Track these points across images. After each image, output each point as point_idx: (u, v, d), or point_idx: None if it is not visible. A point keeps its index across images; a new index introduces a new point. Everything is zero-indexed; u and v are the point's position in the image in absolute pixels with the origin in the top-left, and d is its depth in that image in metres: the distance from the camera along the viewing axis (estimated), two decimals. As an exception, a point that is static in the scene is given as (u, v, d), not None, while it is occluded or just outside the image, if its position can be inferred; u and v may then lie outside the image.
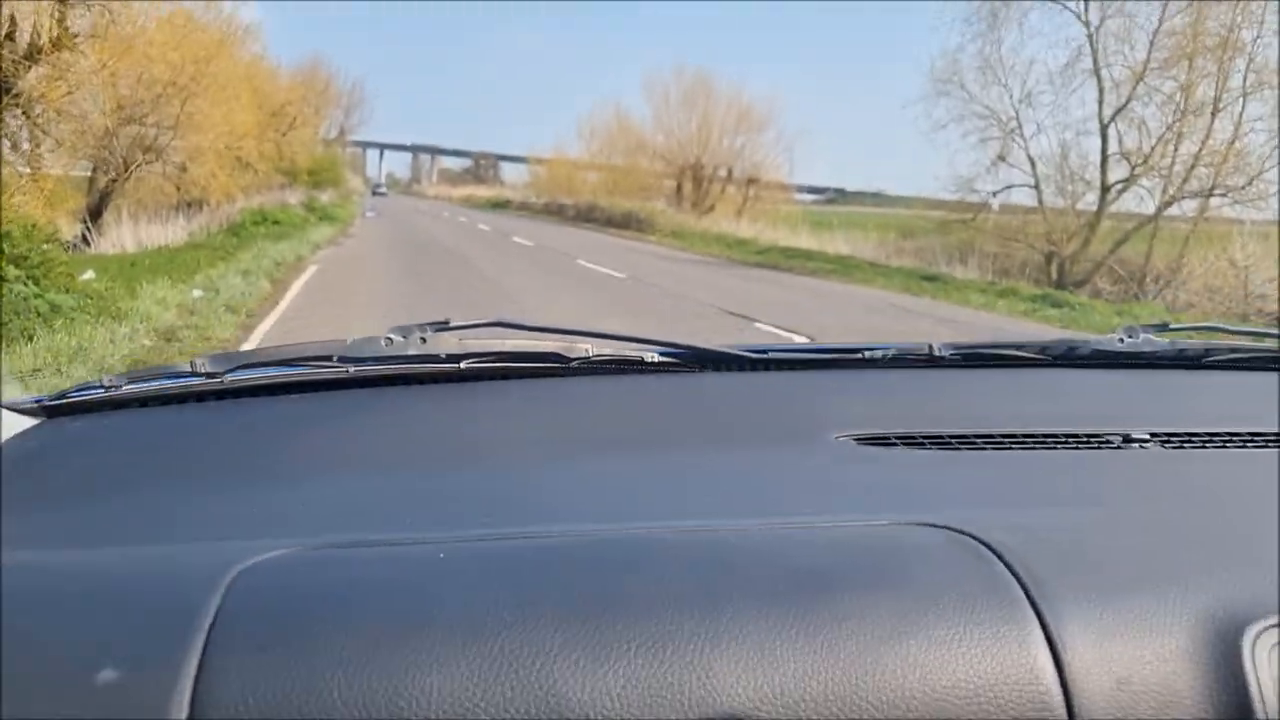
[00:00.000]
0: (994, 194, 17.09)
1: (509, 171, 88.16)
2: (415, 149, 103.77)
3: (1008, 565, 0.72)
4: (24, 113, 13.03)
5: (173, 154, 16.61)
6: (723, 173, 34.06)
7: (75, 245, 13.80)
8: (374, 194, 69.43)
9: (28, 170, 13.36)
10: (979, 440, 1.01)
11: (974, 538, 0.75)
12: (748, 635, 0.65)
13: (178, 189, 18.14)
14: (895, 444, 1.00)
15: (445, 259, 16.31)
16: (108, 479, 0.96)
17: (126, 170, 16.05)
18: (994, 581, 0.70)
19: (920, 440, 1.01)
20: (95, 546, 0.79)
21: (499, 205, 48.93)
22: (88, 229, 14.87)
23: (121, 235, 15.15)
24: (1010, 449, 1.00)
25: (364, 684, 0.61)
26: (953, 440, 1.01)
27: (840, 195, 64.07)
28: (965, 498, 0.87)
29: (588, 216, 33.50)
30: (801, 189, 36.18)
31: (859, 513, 0.81)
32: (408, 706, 0.61)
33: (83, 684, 0.60)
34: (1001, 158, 16.57)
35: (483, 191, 68.73)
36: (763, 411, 1.17)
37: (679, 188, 34.41)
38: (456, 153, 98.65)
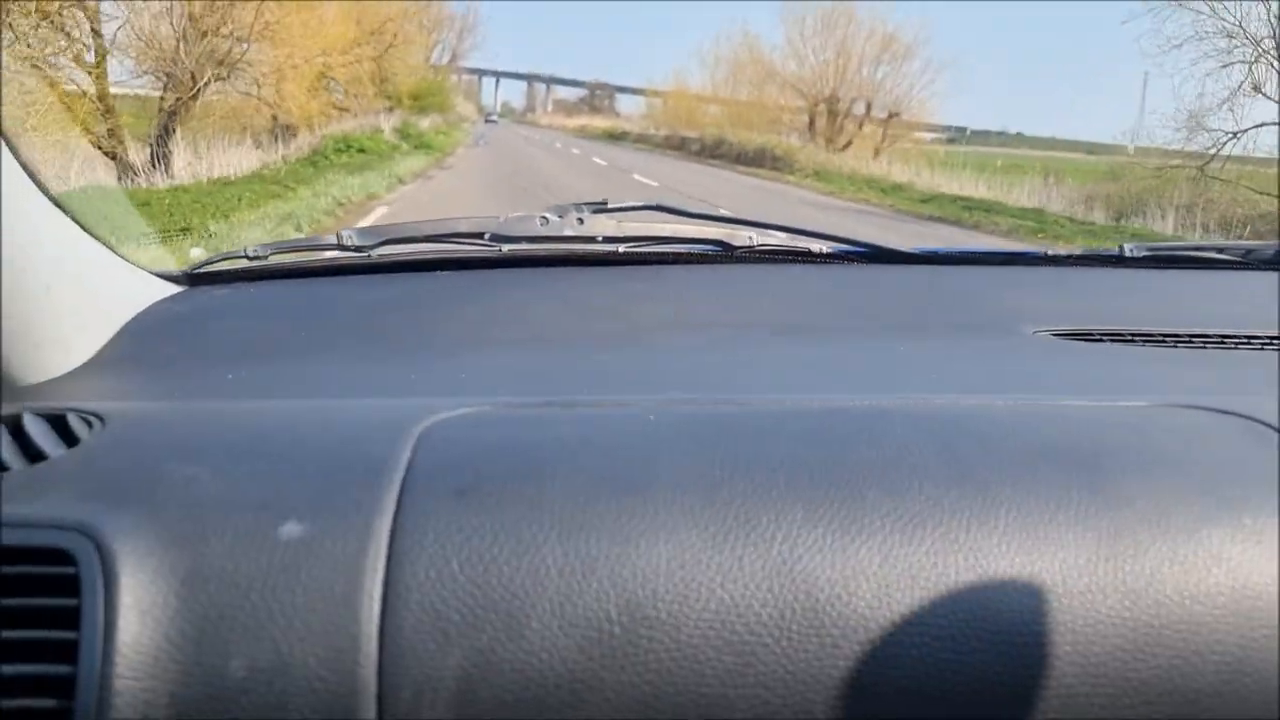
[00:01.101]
0: (1234, 135, 13.54)
1: (625, 104, 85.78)
2: (530, 78, 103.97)
3: None
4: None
5: (245, 69, 14.53)
6: (860, 107, 30.56)
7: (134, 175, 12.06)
8: (486, 122, 68.00)
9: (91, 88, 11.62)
10: (1192, 339, 0.94)
11: (1257, 420, 0.68)
12: (1013, 513, 0.59)
13: (258, 111, 16.21)
14: (1100, 340, 0.94)
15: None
16: (259, 344, 0.92)
17: (194, 88, 14.03)
18: None
19: (1128, 337, 0.95)
20: (259, 399, 0.74)
21: (615, 137, 46.11)
22: (155, 156, 13.06)
23: (176, 165, 13.13)
24: (1230, 348, 0.94)
25: (580, 547, 0.57)
26: (1164, 338, 0.94)
27: (961, 134, 58.79)
28: (1203, 388, 0.79)
29: (714, 152, 30.10)
30: (918, 127, 32.17)
31: (1097, 398, 0.74)
32: (629, 575, 0.56)
33: (265, 536, 0.57)
34: (1257, 88, 13.02)
35: (598, 122, 65.99)
36: (948, 305, 1.09)
37: (811, 122, 31.03)
38: (572, 82, 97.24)
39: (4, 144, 0.72)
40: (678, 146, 34.74)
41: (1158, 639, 0.57)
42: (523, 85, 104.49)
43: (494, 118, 77.98)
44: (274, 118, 17.07)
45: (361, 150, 18.25)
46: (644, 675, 0.55)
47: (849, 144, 29.38)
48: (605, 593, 0.56)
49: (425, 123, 29.25)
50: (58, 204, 0.80)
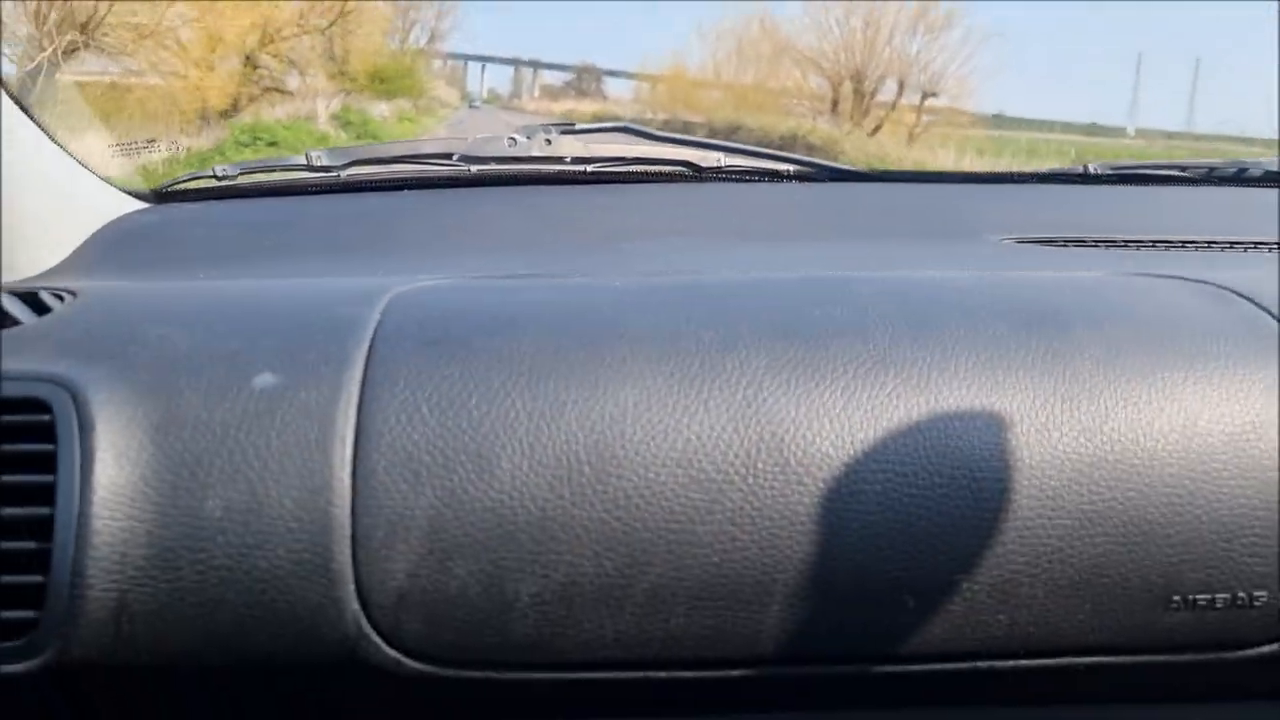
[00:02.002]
0: None
1: (614, 88, 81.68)
2: (516, 63, 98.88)
3: (1260, 306, 0.68)
4: None
5: (109, 36, 10.68)
6: (891, 86, 26.61)
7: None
8: (470, 108, 66.13)
9: None
10: (1155, 243, 0.96)
11: (1213, 284, 0.71)
12: (972, 360, 0.61)
13: (152, 92, 12.36)
14: (1062, 245, 0.95)
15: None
16: (228, 252, 0.92)
17: (40, 60, 10.16)
18: (1254, 322, 0.66)
19: (1091, 242, 0.96)
20: (234, 279, 0.76)
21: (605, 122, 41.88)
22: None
23: None
24: (1190, 250, 0.95)
25: (548, 392, 0.58)
26: (1126, 243, 0.96)
27: (999, 120, 54.67)
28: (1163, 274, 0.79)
29: (729, 138, 25.88)
30: (960, 116, 28.06)
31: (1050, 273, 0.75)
32: (596, 418, 0.57)
33: (238, 387, 0.58)
34: None
35: (585, 107, 61.62)
36: (912, 217, 1.12)
37: (834, 103, 27.07)
38: (559, 67, 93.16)
39: None
40: (680, 133, 30.32)
41: (1111, 473, 0.60)
42: (509, 71, 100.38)
43: (477, 103, 75.36)
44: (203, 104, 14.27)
45: (273, 144, 14.26)
46: (613, 512, 0.57)
47: (878, 128, 25.43)
48: (574, 434, 0.57)
49: (384, 108, 24.91)
50: (28, 113, 0.80)
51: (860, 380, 0.60)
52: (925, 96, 26.42)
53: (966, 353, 0.62)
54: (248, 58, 21.31)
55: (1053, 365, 0.62)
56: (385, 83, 29.60)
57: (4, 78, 0.91)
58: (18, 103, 0.79)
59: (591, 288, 0.70)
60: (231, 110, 17.88)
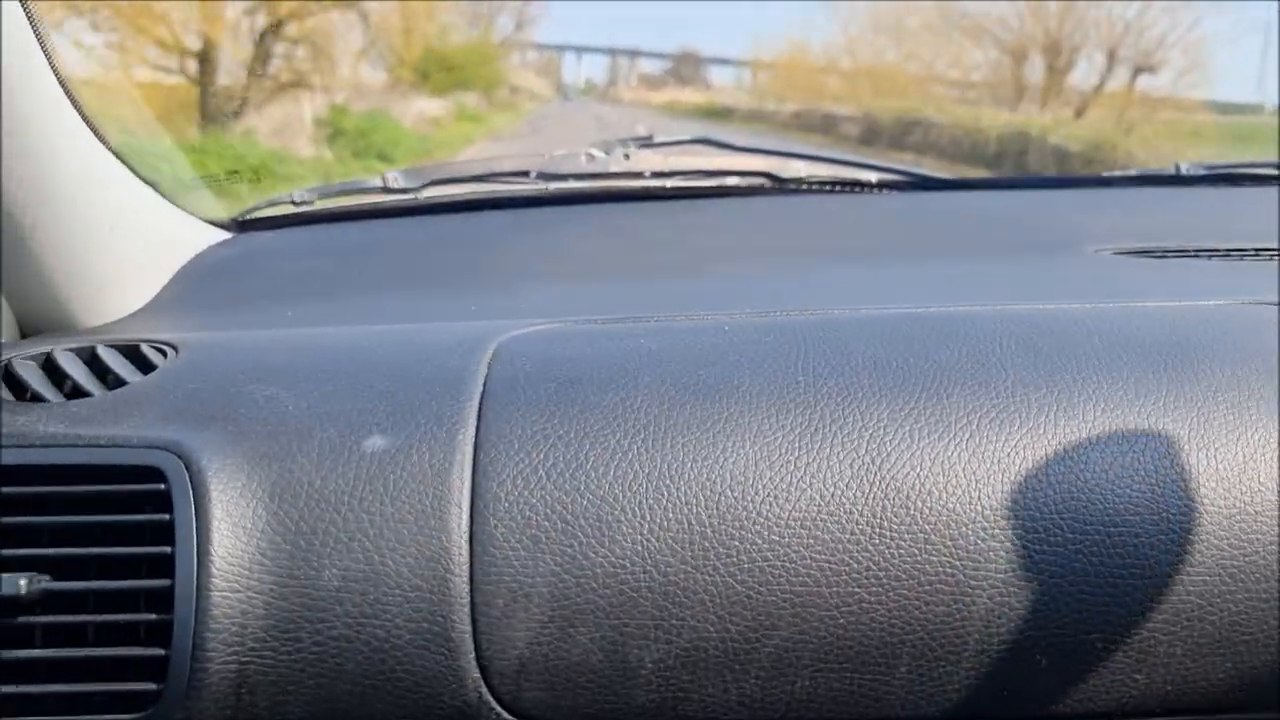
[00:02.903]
0: None
1: (717, 75, 76.08)
2: (612, 51, 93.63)
3: None
4: None
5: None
6: (1098, 58, 20.39)
7: None
8: (565, 100, 62.82)
9: None
10: (1258, 252, 0.93)
11: None
12: (1100, 406, 0.59)
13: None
14: (1163, 256, 0.93)
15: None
16: (314, 283, 0.91)
17: None
18: None
19: (1191, 252, 0.93)
20: (328, 327, 0.74)
21: (715, 114, 36.02)
22: None
23: None
24: None
25: (666, 452, 0.57)
26: (1227, 252, 0.93)
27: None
28: (1271, 291, 0.77)
29: (900, 139, 18.86)
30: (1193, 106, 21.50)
31: (1164, 299, 0.73)
32: (716, 478, 0.56)
33: (350, 450, 0.58)
34: None
35: (688, 96, 55.92)
36: (1005, 228, 1.09)
37: (1018, 86, 20.98)
38: (658, 55, 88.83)
39: (69, 99, 0.72)
40: (819, 129, 23.78)
41: (1253, 525, 0.57)
42: (605, 60, 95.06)
43: (571, 95, 72.01)
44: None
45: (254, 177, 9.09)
46: (736, 576, 0.55)
47: (1081, 112, 19.25)
48: (694, 495, 0.56)
49: (429, 105, 19.38)
50: (116, 153, 0.80)
51: (985, 431, 0.58)
52: (1138, 73, 20.14)
53: (1093, 399, 0.59)
54: (261, 38, 16.37)
55: (1187, 411, 0.59)
56: (452, 72, 24.66)
57: (90, 118, 0.75)
58: (104, 142, 0.78)
59: (701, 331, 0.68)
60: (239, 109, 13.30)
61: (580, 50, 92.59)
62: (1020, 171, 14.40)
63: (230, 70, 16.50)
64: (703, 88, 64.07)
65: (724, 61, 79.26)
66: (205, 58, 15.76)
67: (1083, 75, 20.95)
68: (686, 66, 78.47)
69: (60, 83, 0.72)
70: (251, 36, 16.18)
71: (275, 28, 16.08)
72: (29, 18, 0.67)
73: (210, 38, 15.19)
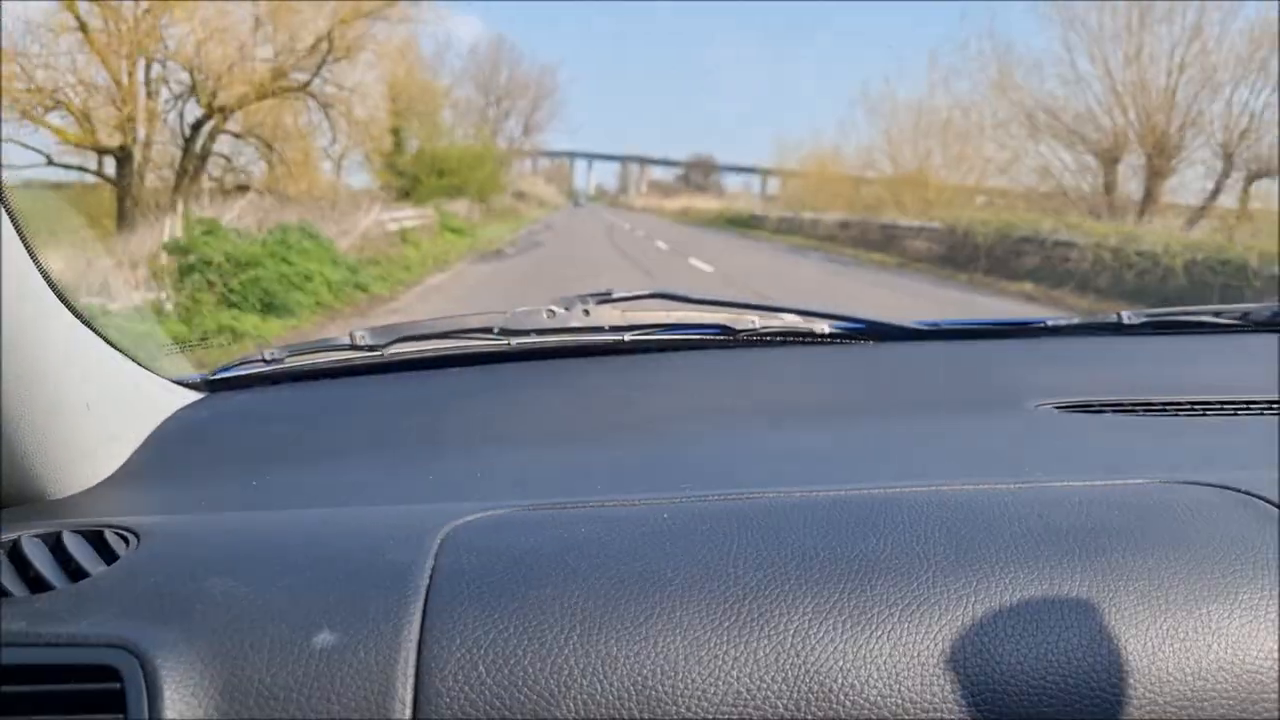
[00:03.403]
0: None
1: (731, 182, 74.22)
2: (623, 159, 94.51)
3: None
4: None
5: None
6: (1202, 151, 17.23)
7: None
8: (575, 206, 63.89)
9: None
10: (1193, 405, 0.96)
11: (1255, 496, 0.70)
12: (1017, 596, 0.61)
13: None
14: (1101, 411, 0.95)
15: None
16: (280, 449, 0.94)
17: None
18: None
19: (1130, 407, 0.96)
20: (285, 509, 0.77)
21: (740, 224, 33.10)
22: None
23: None
24: (1230, 414, 0.95)
25: (601, 646, 0.58)
26: (1164, 406, 0.96)
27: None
28: (1205, 461, 0.81)
29: (1006, 262, 13.90)
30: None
31: (1099, 474, 0.77)
32: (647, 672, 0.58)
33: (299, 647, 0.59)
34: None
35: (704, 203, 53.35)
36: (951, 381, 1.11)
37: (1106, 184, 17.81)
38: (666, 162, 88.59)
39: (34, 268, 0.73)
40: (878, 245, 19.30)
41: (1161, 714, 0.58)
42: (615, 167, 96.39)
43: (582, 201, 72.37)
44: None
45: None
46: None
47: (1194, 222, 15.97)
48: (626, 690, 0.57)
49: (404, 216, 15.29)
50: (86, 322, 0.81)
51: (906, 623, 0.59)
52: (1252, 179, 16.96)
53: (1012, 589, 0.61)
54: (192, 131, 13.19)
55: (1098, 600, 0.61)
56: (445, 176, 21.63)
57: (60, 290, 0.77)
58: (75, 312, 0.80)
59: (640, 519, 0.69)
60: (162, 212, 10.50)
61: (591, 157, 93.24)
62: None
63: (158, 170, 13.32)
64: (716, 194, 61.81)
65: (744, 169, 77.49)
66: (125, 156, 12.65)
67: (1184, 180, 17.73)
68: (698, 173, 77.12)
69: (29, 254, 0.73)
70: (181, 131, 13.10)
71: (208, 120, 12.97)
72: None
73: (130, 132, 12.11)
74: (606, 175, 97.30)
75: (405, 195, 20.74)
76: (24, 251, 0.73)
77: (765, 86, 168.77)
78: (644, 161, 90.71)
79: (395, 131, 21.60)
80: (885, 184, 25.02)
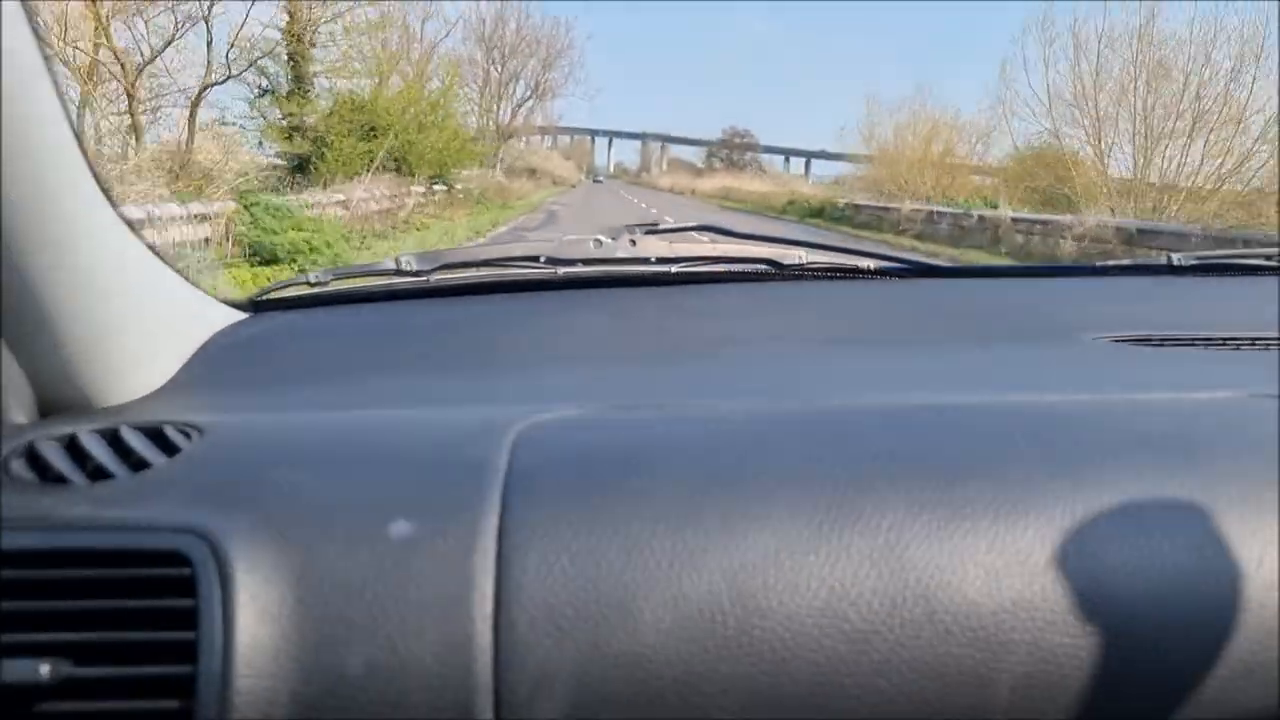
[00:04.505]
0: None
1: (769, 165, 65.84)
2: (644, 136, 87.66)
3: None
4: None
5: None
6: None
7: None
8: (594, 182, 61.31)
9: None
10: (1254, 340, 0.93)
11: None
12: (1116, 499, 0.60)
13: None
14: (1160, 344, 0.93)
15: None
16: (330, 363, 0.92)
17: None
18: None
19: (1188, 341, 0.93)
20: (349, 410, 0.75)
21: (813, 214, 24.38)
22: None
23: None
24: None
25: (688, 539, 0.57)
26: (1225, 341, 0.93)
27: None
28: (1272, 382, 0.77)
29: None
30: None
31: (1167, 390, 0.75)
32: (738, 566, 0.56)
33: (375, 537, 0.57)
34: None
35: (747, 184, 44.53)
36: (1002, 316, 1.09)
37: None
38: (688, 141, 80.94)
39: (93, 178, 0.72)
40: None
41: (1266, 619, 0.57)
42: (637, 145, 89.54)
43: (600, 178, 69.10)
44: None
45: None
46: (758, 665, 0.55)
47: None
48: (716, 584, 0.56)
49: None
50: (136, 233, 0.81)
51: (1003, 523, 0.58)
52: None
53: (1103, 493, 0.60)
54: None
55: (1195, 504, 0.60)
56: (374, 139, 13.53)
57: (116, 202, 0.75)
58: (127, 222, 0.79)
59: (716, 420, 0.68)
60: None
61: (611, 134, 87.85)
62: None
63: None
64: (758, 177, 53.24)
65: (775, 150, 68.83)
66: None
67: None
68: (736, 146, 68.41)
69: (87, 165, 0.71)
70: None
71: None
72: (61, 101, 0.66)
73: None
74: (628, 153, 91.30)
75: (301, 169, 12.51)
76: (83, 162, 0.70)
77: (803, 66, 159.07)
78: (666, 140, 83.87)
79: (295, 63, 13.31)
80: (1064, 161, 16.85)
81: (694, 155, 79.37)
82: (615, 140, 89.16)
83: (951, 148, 23.63)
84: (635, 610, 0.55)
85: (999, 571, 0.57)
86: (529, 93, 40.40)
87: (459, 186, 17.40)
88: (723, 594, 0.56)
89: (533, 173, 48.18)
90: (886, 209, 20.07)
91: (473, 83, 38.27)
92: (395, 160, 13.99)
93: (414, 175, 14.42)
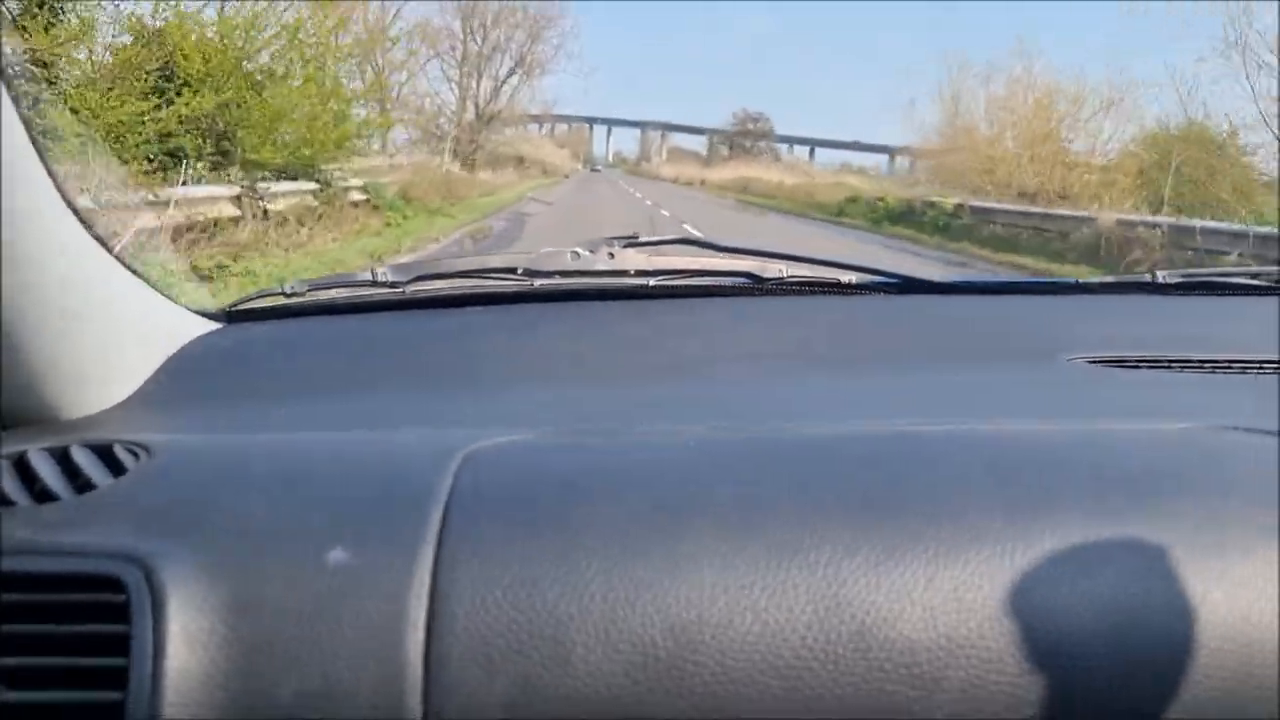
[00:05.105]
0: None
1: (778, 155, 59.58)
2: (643, 124, 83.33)
3: None
4: None
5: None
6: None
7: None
8: (591, 171, 58.66)
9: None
10: (1230, 364, 0.93)
11: None
12: (1062, 535, 0.59)
13: None
14: (1136, 366, 0.93)
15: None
16: (299, 379, 0.93)
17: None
18: None
19: (1164, 363, 0.93)
20: (302, 432, 0.75)
21: (875, 217, 17.32)
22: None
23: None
24: (1268, 372, 0.92)
25: (624, 572, 0.57)
26: (1201, 363, 0.94)
27: None
28: (1242, 410, 0.78)
29: None
30: None
31: (1132, 419, 0.75)
32: (673, 601, 0.56)
33: (312, 565, 0.58)
34: None
35: (773, 175, 37.96)
36: (981, 334, 1.09)
37: None
38: (688, 129, 76.65)
39: (56, 189, 0.72)
40: None
41: (1213, 658, 0.57)
42: (636, 134, 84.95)
43: (598, 167, 65.81)
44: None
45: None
46: (690, 700, 0.55)
47: None
48: (650, 617, 0.56)
49: None
50: (100, 241, 0.80)
51: (943, 559, 0.58)
52: None
53: (1058, 529, 0.59)
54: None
55: (1148, 541, 0.59)
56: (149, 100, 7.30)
57: (71, 200, 0.73)
58: (88, 229, 0.77)
59: (667, 448, 0.68)
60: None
61: (610, 123, 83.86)
62: None
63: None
64: (774, 166, 46.90)
65: (792, 140, 62.25)
66: None
67: None
68: (751, 132, 61.83)
69: (48, 173, 0.70)
70: None
71: None
72: (13, 99, 0.66)
73: None
74: (628, 142, 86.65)
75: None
76: (44, 171, 0.70)
77: (806, 62, 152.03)
78: (665, 128, 78.87)
79: None
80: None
81: (696, 144, 74.68)
82: (614, 129, 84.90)
83: (1063, 126, 17.59)
84: (567, 643, 0.55)
85: (935, 608, 0.56)
86: (514, 67, 34.04)
87: (352, 184, 11.12)
88: (656, 627, 0.55)
89: (520, 161, 42.00)
90: (1049, 216, 13.80)
91: (449, 55, 32.46)
92: (216, 137, 7.78)
93: (253, 167, 8.16)
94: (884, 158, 54.46)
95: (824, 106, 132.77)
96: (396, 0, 22.28)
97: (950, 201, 15.85)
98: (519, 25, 33.29)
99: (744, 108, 64.41)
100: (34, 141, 0.68)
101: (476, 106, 33.23)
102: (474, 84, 32.85)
